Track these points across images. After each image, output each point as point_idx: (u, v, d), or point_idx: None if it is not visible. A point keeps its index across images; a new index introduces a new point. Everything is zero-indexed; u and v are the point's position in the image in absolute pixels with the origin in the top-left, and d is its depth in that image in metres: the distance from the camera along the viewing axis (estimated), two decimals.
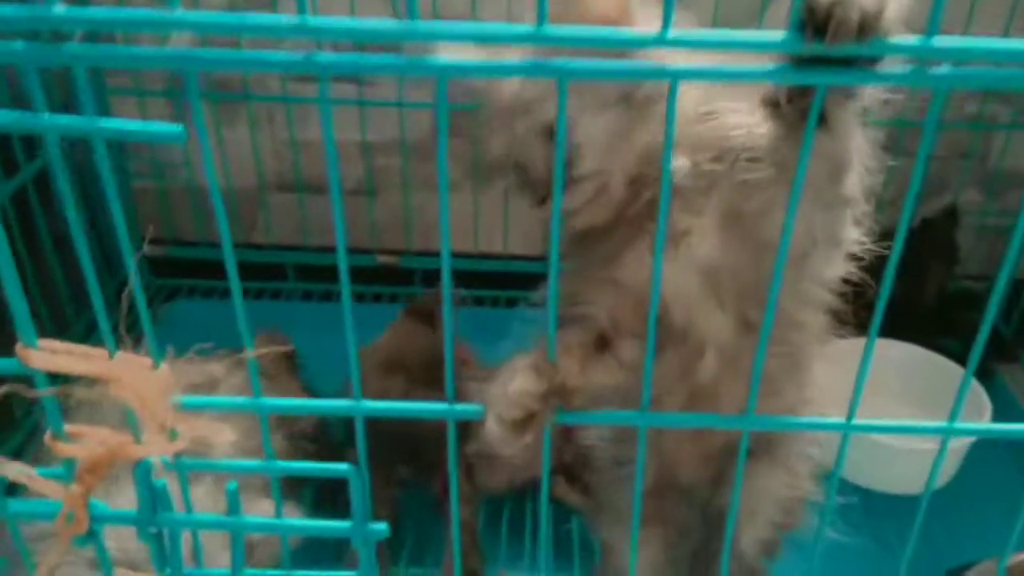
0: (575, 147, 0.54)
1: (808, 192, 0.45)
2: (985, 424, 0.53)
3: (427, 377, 0.91)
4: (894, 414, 1.10)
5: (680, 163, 0.54)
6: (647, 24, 0.40)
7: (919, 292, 1.19)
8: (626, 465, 0.67)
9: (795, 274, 0.56)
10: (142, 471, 0.45)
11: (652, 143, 0.54)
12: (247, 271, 1.28)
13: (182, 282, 1.32)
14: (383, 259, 1.35)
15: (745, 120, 0.53)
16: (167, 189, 1.30)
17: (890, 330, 0.43)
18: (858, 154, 0.52)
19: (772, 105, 0.51)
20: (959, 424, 0.49)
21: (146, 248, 1.34)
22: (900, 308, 0.43)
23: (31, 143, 1.07)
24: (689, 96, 0.52)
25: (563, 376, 0.53)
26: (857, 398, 0.48)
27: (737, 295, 0.57)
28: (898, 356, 1.10)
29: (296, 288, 1.34)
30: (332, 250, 0.43)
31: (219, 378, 0.83)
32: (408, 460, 0.92)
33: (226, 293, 1.45)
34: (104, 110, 1.21)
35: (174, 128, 0.39)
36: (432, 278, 1.31)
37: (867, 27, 0.35)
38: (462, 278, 1.26)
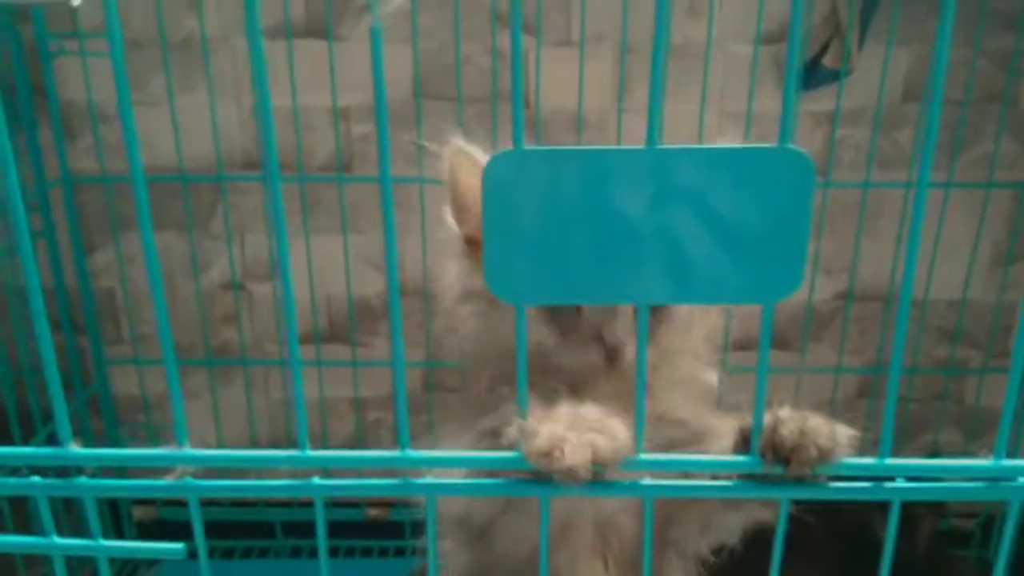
0: None
1: None
2: None
3: None
4: None
5: None
6: None
7: (910, 542, 1.18)
8: None
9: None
10: None
11: None
12: (235, 529, 1.27)
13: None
14: (372, 512, 1.35)
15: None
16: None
17: None
18: None
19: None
20: None
21: (135, 511, 1.34)
22: (892, 561, 0.42)
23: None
24: None
25: None
26: None
27: (626, 559, 0.55)
28: None
29: (284, 545, 1.32)
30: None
31: None
32: None
33: (214, 553, 1.39)
34: (103, 378, 1.25)
35: (176, 547, 0.41)
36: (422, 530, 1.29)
37: (824, 456, 0.39)
38: None
